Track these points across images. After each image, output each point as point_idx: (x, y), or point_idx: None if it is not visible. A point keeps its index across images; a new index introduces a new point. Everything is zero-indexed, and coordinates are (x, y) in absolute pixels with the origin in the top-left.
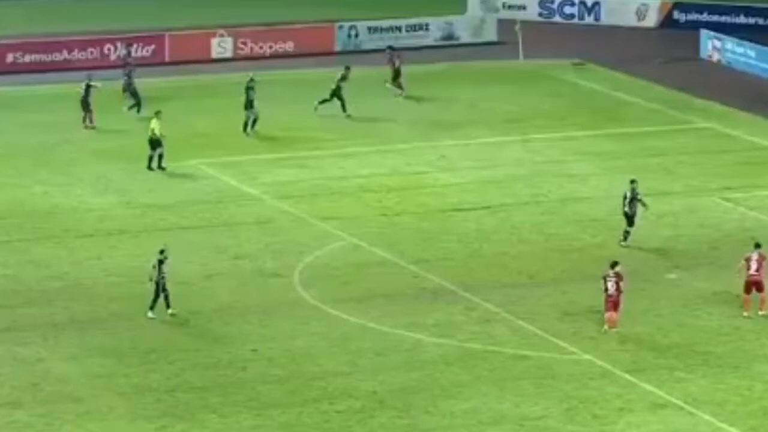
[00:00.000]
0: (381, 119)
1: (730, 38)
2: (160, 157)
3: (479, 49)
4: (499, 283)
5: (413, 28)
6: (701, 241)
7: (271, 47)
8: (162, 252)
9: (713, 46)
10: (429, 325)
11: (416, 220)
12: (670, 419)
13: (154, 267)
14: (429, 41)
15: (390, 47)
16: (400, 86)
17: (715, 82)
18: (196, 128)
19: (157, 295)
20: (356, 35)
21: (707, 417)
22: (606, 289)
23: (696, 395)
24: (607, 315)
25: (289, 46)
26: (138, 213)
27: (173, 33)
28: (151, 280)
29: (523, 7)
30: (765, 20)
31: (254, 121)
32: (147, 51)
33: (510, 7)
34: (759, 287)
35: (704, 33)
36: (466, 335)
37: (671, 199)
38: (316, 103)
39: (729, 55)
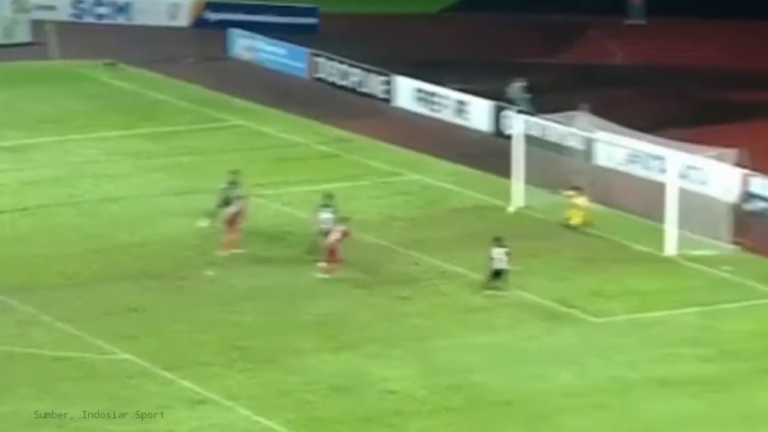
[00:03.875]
0: None
1: (261, 37)
2: None
3: (11, 50)
4: (37, 285)
5: None
6: None
7: None
8: None
9: (244, 45)
10: None
11: None
12: (208, 414)
13: None
14: None
15: None
16: None
17: (247, 80)
18: None
19: None
20: None
21: (245, 411)
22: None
23: (234, 390)
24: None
25: None
26: None
27: None
28: None
29: (53, 8)
30: (296, 18)
31: None
32: None
33: (40, 7)
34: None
35: (235, 32)
36: (4, 339)
37: (206, 197)
38: None
39: (260, 53)
